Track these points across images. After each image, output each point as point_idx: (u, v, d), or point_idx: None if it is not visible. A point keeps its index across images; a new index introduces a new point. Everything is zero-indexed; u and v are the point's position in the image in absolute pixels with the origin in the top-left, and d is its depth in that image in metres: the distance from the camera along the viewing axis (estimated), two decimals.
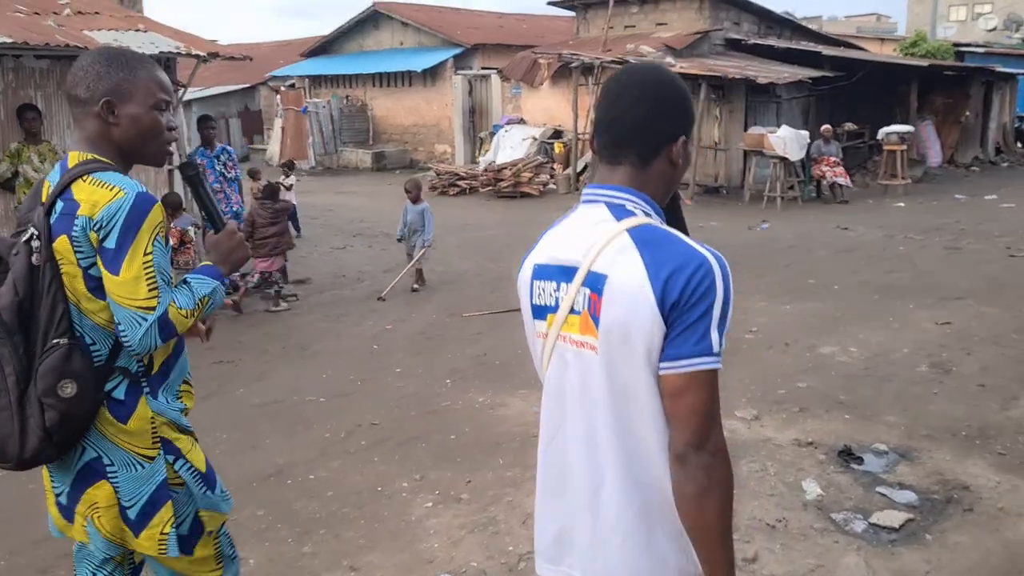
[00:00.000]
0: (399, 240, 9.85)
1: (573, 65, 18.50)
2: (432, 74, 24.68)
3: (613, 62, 17.69)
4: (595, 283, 1.58)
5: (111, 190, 1.99)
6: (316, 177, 24.00)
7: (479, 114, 24.19)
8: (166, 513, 2.13)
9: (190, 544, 2.20)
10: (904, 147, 16.45)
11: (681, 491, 1.54)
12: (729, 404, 5.32)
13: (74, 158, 2.09)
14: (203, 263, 2.22)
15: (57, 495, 2.17)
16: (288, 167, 14.27)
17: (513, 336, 7.20)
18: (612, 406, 1.59)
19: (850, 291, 8.57)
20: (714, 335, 1.51)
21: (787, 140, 14.92)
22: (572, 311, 1.62)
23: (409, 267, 9.37)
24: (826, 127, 16.37)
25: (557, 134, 20.96)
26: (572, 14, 23.57)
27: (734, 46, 20.28)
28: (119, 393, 2.08)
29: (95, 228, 1.98)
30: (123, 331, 2.00)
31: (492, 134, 22.55)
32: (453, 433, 4.98)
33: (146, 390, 2.11)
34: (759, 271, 9.58)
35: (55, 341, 2.00)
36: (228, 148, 9.29)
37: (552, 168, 19.71)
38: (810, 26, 23.96)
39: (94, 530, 2.13)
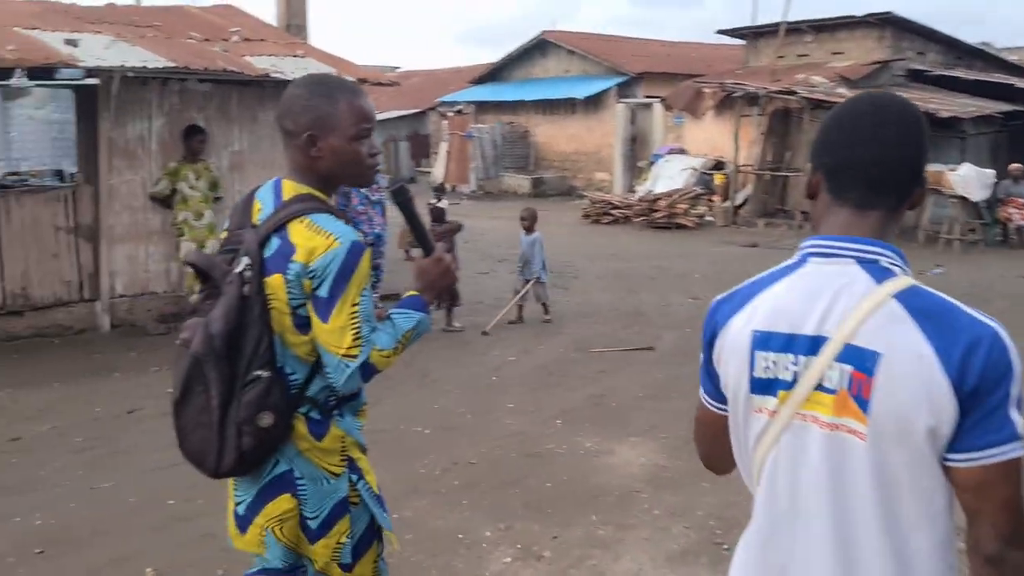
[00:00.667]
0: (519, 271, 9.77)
1: (737, 95, 17.89)
2: (595, 102, 24.62)
3: (780, 92, 16.99)
4: (859, 360, 1.38)
5: (327, 238, 2.07)
6: (476, 201, 24.40)
7: (640, 143, 23.88)
8: (343, 526, 2.22)
9: (356, 559, 2.27)
10: None
11: None
12: None
13: (289, 189, 2.19)
14: (409, 293, 2.27)
15: (237, 504, 2.26)
16: (439, 191, 14.48)
17: (637, 377, 6.93)
18: (880, 501, 1.39)
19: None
20: (1016, 417, 1.33)
21: (968, 179, 13.78)
22: (822, 388, 1.42)
23: (514, 302, 9.23)
24: (1015, 166, 15.00)
25: (718, 165, 20.32)
26: (743, 42, 22.96)
27: (917, 78, 19.05)
28: (315, 414, 2.18)
29: (309, 275, 2.06)
30: (330, 374, 2.11)
31: (652, 163, 22.20)
32: (550, 480, 4.74)
33: (336, 412, 2.21)
34: None
35: (257, 373, 2.10)
36: None
37: (710, 200, 19.16)
38: (1010, 57, 22.15)
39: (273, 539, 2.21)
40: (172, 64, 7.69)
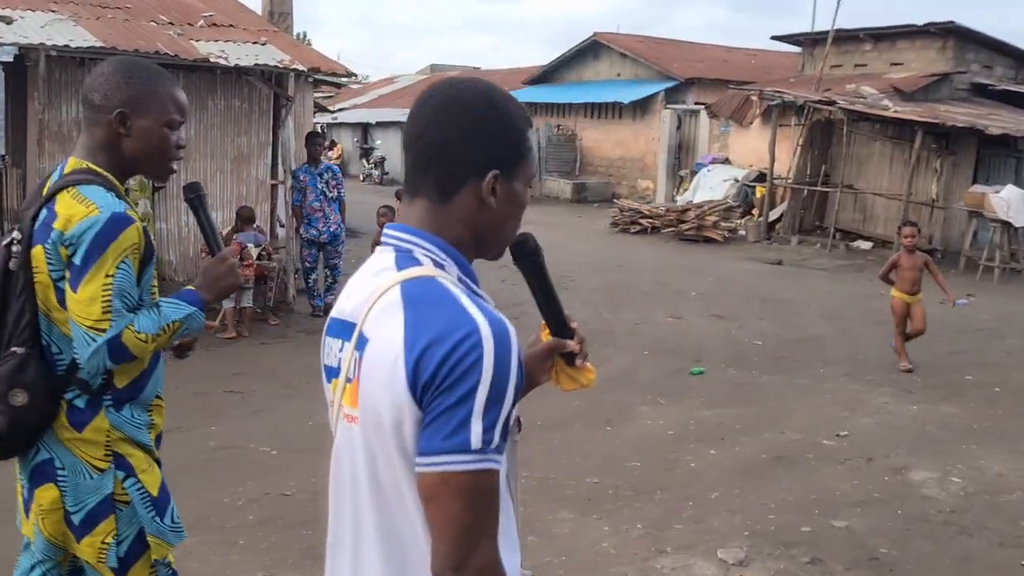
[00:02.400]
0: None
1: (774, 103, 16.92)
2: (642, 107, 23.80)
3: (820, 102, 15.97)
4: (362, 346, 1.29)
5: (87, 207, 2.01)
6: None
7: (685, 151, 22.99)
8: (108, 526, 2.11)
9: (127, 564, 2.15)
10: None
11: None
12: (721, 534, 4.11)
13: (71, 164, 2.13)
14: (187, 287, 2.23)
15: (23, 488, 2.19)
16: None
17: (536, 401, 6.20)
18: (373, 500, 1.29)
19: (1012, 397, 6.77)
20: (475, 426, 1.18)
21: (1012, 202, 12.60)
22: (347, 378, 1.33)
23: None
24: None
25: (762, 177, 19.33)
26: (798, 50, 21.87)
27: (981, 92, 17.73)
28: (80, 402, 2.09)
29: (65, 243, 2.00)
30: (75, 348, 2.03)
31: (694, 172, 21.32)
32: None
33: (108, 403, 2.11)
34: (914, 357, 7.89)
35: (13, 349, 2.04)
36: (333, 167, 9.05)
37: (751, 213, 18.23)
38: None
39: (37, 531, 2.14)
40: (100, 44, 7.36)
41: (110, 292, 2.00)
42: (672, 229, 17.25)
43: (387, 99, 35.56)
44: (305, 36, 57.66)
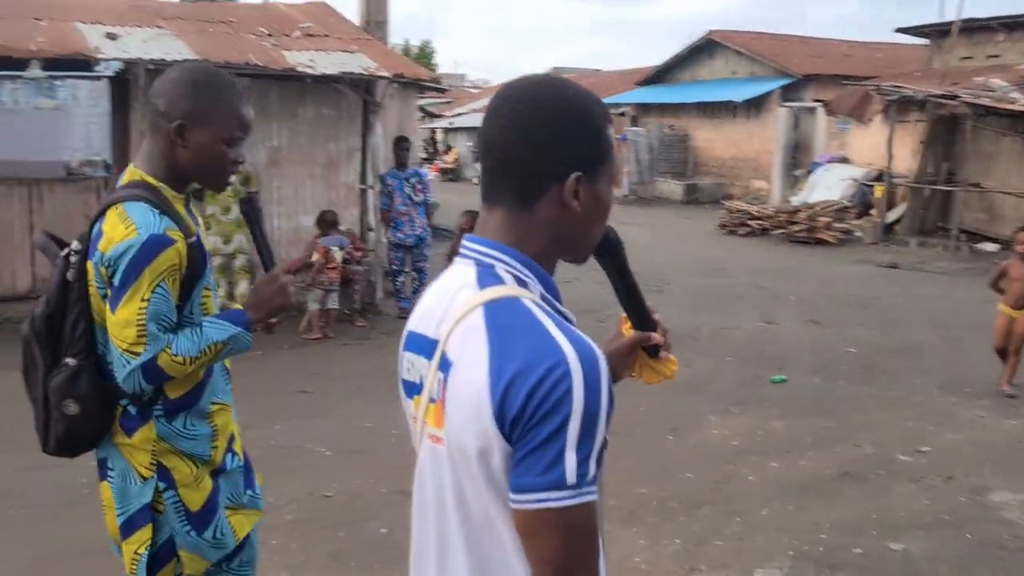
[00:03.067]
0: None
1: (892, 99, 16.11)
2: (756, 105, 23.11)
3: (942, 96, 15.09)
4: (445, 368, 1.24)
5: (127, 228, 2.00)
6: (623, 206, 23.59)
7: (802, 150, 22.19)
8: (144, 534, 2.13)
9: (151, 572, 2.15)
10: None
11: None
12: (762, 553, 3.92)
13: (128, 174, 2.14)
14: (235, 306, 2.22)
15: None
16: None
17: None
18: (460, 525, 1.25)
19: None
20: (569, 461, 1.13)
21: None
22: (431, 398, 1.27)
23: None
24: None
25: (882, 176, 18.45)
26: (925, 42, 20.75)
27: None
28: (132, 408, 2.12)
29: (105, 264, 2.02)
30: (113, 368, 2.05)
31: (810, 172, 20.54)
32: (390, 526, 4.19)
33: (158, 413, 2.11)
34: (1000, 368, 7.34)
35: (67, 361, 2.08)
36: (420, 171, 9.18)
37: (870, 214, 17.42)
38: None
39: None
40: (194, 56, 7.71)
41: (144, 316, 1.99)
42: (782, 231, 16.69)
43: None
44: (429, 44, 59.01)
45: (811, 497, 4.62)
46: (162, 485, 2.13)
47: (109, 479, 2.15)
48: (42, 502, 4.45)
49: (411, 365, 1.36)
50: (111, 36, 7.96)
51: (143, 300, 1.99)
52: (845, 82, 20.84)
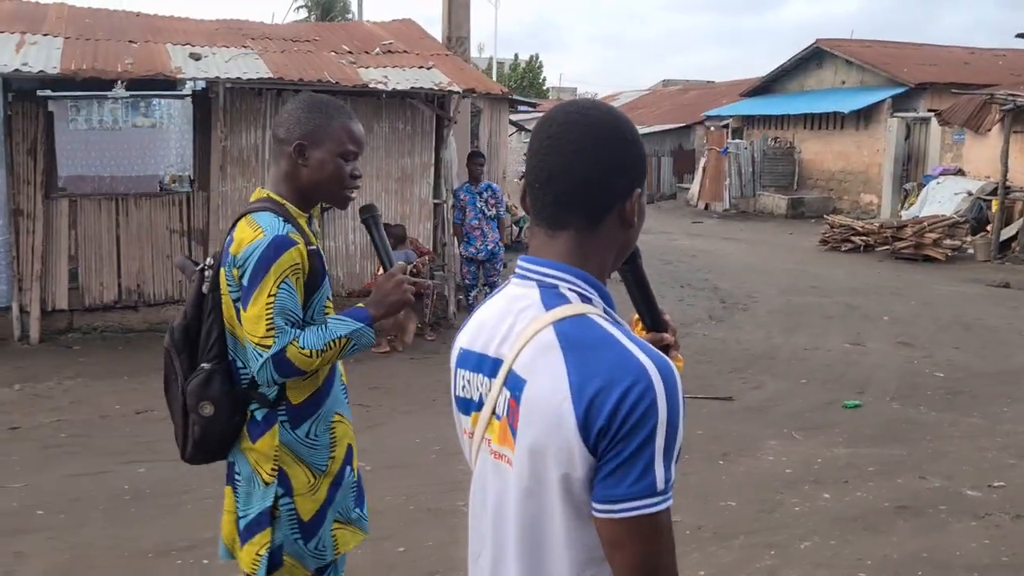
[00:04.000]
0: None
1: (1006, 108, 15.19)
2: (866, 116, 22.21)
3: None
4: (515, 387, 1.29)
5: (255, 231, 2.18)
6: (724, 220, 23.09)
7: (915, 162, 21.17)
8: (264, 537, 2.24)
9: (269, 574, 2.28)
10: None
11: None
12: None
13: (256, 194, 2.34)
14: (357, 304, 2.34)
15: None
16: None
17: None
18: (522, 539, 1.30)
19: None
20: (658, 469, 1.20)
21: None
22: (495, 414, 1.34)
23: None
24: None
25: (1006, 190, 17.41)
26: None
27: None
28: (259, 415, 2.25)
29: (237, 265, 2.18)
30: (249, 362, 2.21)
31: (922, 186, 19.56)
32: (409, 545, 4.14)
33: (282, 419, 2.25)
34: None
35: (203, 365, 2.24)
36: (493, 186, 9.17)
37: (986, 230, 16.44)
38: None
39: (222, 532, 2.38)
40: (269, 75, 7.95)
41: (272, 311, 2.14)
42: (887, 247, 15.94)
43: None
44: (537, 59, 59.39)
45: (859, 531, 4.33)
46: (280, 491, 2.24)
47: (236, 483, 2.29)
48: (88, 506, 4.62)
49: (466, 383, 1.41)
50: (195, 56, 8.28)
51: (270, 296, 2.13)
52: (962, 91, 19.80)
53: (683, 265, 15.02)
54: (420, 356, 8.15)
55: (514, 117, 19.63)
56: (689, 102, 32.40)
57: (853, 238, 16.78)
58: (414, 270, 8.36)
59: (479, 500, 1.41)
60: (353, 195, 2.36)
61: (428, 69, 9.04)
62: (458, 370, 1.44)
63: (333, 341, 2.17)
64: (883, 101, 21.75)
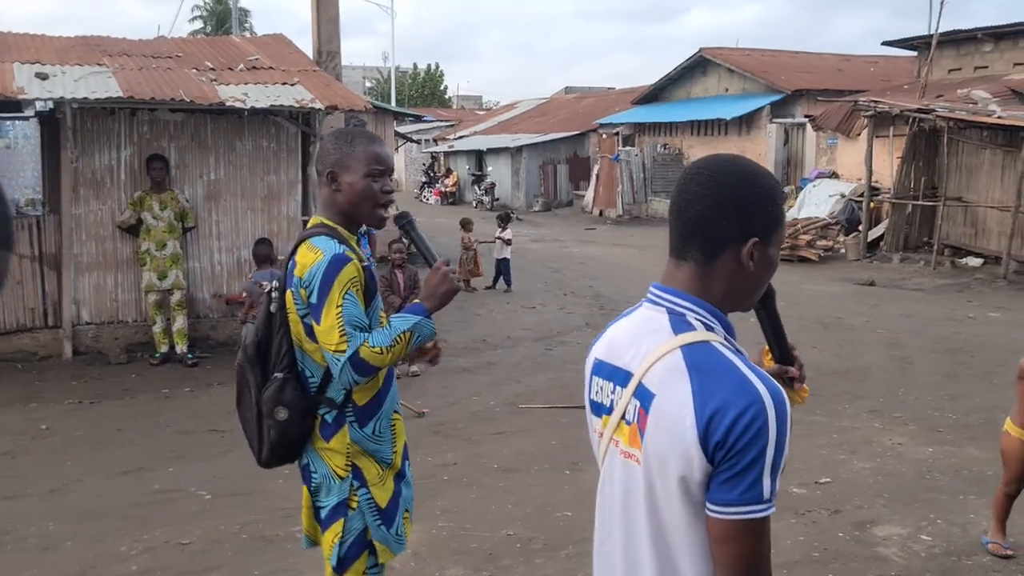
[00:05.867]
0: None
1: (867, 114, 15.92)
2: (748, 122, 22.98)
3: (919, 110, 14.88)
4: (644, 398, 1.51)
5: (315, 253, 2.43)
6: (616, 227, 23.50)
7: (794, 166, 21.99)
8: (338, 527, 2.49)
9: (344, 564, 2.50)
10: None
11: None
12: None
13: (312, 221, 2.61)
14: (414, 301, 2.58)
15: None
16: (503, 219, 13.91)
17: (522, 442, 5.99)
18: (650, 525, 1.53)
19: None
20: (766, 482, 1.41)
21: None
22: (624, 419, 1.57)
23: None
24: None
25: (873, 192, 18.21)
26: (913, 54, 20.55)
27: None
28: (329, 417, 2.50)
29: (304, 286, 2.42)
30: (331, 369, 2.43)
31: (800, 188, 20.32)
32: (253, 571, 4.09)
33: (350, 419, 2.49)
34: (959, 389, 7.13)
35: (276, 375, 2.48)
36: None
37: (858, 230, 17.17)
38: None
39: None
40: (119, 95, 7.74)
41: (342, 320, 2.37)
42: None
43: (504, 126, 35.96)
44: (438, 67, 59.42)
45: None
46: (356, 483, 2.49)
47: (312, 480, 2.53)
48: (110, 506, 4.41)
49: (600, 388, 1.65)
50: (41, 76, 7.99)
51: (338, 307, 2.38)
52: (833, 97, 20.67)
53: (571, 272, 15.23)
54: None
55: (401, 129, 19.55)
56: (584, 110, 32.87)
57: None
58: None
59: (608, 492, 1.64)
60: (387, 212, 2.61)
61: (292, 85, 8.93)
62: (593, 377, 1.67)
63: (399, 336, 2.41)
64: (763, 108, 22.55)
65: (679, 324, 1.52)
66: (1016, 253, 13.64)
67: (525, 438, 6.22)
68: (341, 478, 2.48)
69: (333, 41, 10.89)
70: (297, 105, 8.39)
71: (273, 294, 2.52)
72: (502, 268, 13.15)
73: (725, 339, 1.53)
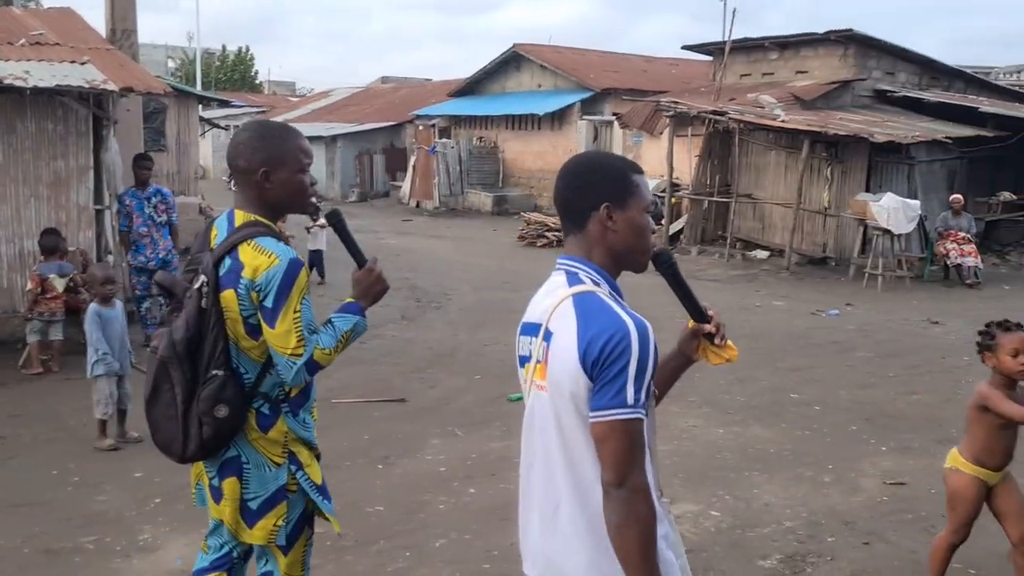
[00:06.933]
0: None
1: (667, 114, 16.81)
2: (560, 118, 23.65)
3: (714, 112, 15.86)
4: (548, 338, 1.93)
5: (269, 257, 2.46)
6: (434, 218, 23.56)
7: None
8: (281, 510, 2.58)
9: (291, 542, 2.65)
10: None
11: (607, 521, 1.82)
12: None
13: (239, 217, 2.57)
14: (347, 300, 2.65)
15: (211, 478, 2.65)
16: (315, 210, 13.60)
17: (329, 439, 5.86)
18: (560, 441, 1.91)
19: (829, 417, 6.57)
20: (629, 390, 1.80)
21: (891, 210, 12.53)
22: (537, 360, 1.96)
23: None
24: (955, 197, 13.72)
25: (674, 188, 19.21)
26: (709, 59, 21.84)
27: (883, 98, 17.76)
28: (265, 409, 2.55)
29: (256, 290, 2.45)
30: (280, 371, 2.49)
31: None
32: None
33: (285, 410, 2.59)
34: (747, 373, 7.69)
35: (214, 372, 2.47)
36: (163, 190, 8.64)
37: (661, 223, 18.06)
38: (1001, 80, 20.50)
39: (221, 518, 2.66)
40: None
41: (300, 324, 2.45)
42: None
43: (318, 114, 35.16)
44: (248, 50, 57.10)
45: (496, 523, 4.57)
46: (294, 468, 2.60)
47: (243, 472, 2.56)
48: None
49: (524, 344, 2.03)
50: None
51: (296, 312, 2.45)
52: (638, 96, 21.66)
53: (387, 264, 14.64)
54: (79, 376, 7.50)
55: (207, 114, 18.71)
56: (401, 100, 32.68)
57: (547, 234, 17.80)
58: (71, 283, 7.71)
59: (528, 424, 2.00)
60: (315, 201, 2.73)
61: (82, 64, 8.34)
62: (520, 337, 2.05)
63: (343, 336, 2.54)
64: (574, 104, 23.26)
65: (573, 280, 1.96)
66: (797, 247, 14.84)
67: (337, 433, 6.11)
68: (278, 465, 2.57)
69: (128, 18, 10.26)
70: (87, 86, 7.84)
71: (203, 290, 2.48)
72: (314, 260, 12.88)
73: (609, 293, 1.94)
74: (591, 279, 1.95)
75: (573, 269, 1.98)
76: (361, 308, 2.62)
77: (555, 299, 1.92)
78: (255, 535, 2.59)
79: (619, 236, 1.97)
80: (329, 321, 2.57)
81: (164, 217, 8.51)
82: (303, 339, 2.45)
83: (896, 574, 4.09)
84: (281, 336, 2.43)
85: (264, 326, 2.45)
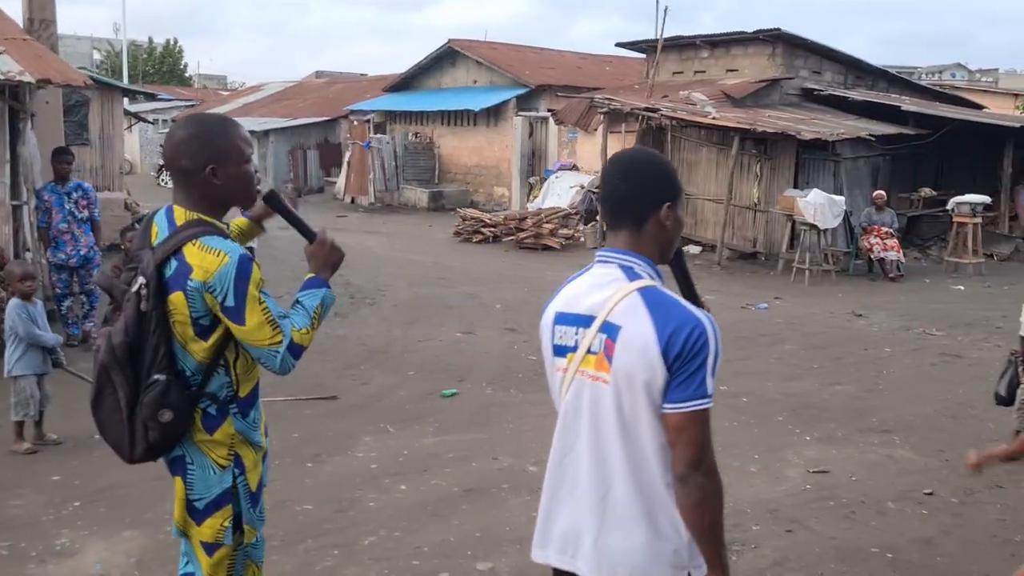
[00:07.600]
0: None
1: (602, 111, 16.95)
2: (495, 114, 23.65)
3: (647, 109, 16.03)
4: (610, 331, 1.99)
5: (218, 256, 2.37)
6: (369, 214, 23.34)
7: (538, 158, 22.93)
8: (227, 511, 2.53)
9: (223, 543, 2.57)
10: (977, 220, 13.91)
11: (683, 504, 1.96)
12: None
13: (181, 215, 2.47)
14: (308, 276, 2.60)
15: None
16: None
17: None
18: (620, 429, 2.00)
19: (756, 408, 6.70)
20: (709, 381, 1.94)
21: (817, 206, 12.83)
22: (590, 351, 2.03)
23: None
24: (878, 193, 14.11)
25: None
26: (642, 56, 22.08)
27: (810, 97, 18.18)
28: (212, 410, 2.49)
29: (210, 291, 2.37)
30: (264, 363, 2.46)
31: (544, 179, 21.26)
32: None
33: (234, 411, 2.51)
34: None
35: (156, 377, 2.39)
36: (84, 185, 8.40)
37: (596, 219, 18.20)
38: (985, 79, 21.15)
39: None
40: None
41: (269, 314, 2.41)
42: (512, 238, 17.09)
43: (250, 108, 34.52)
44: (176, 43, 55.80)
45: (425, 519, 4.56)
46: (237, 471, 2.53)
47: (189, 473, 2.50)
48: None
49: (563, 334, 2.10)
50: None
51: (260, 303, 2.39)
52: (573, 93, 21.78)
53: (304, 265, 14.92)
54: None
55: (133, 108, 18.24)
56: (335, 95, 32.29)
57: (483, 230, 17.77)
58: None
59: (572, 412, 2.07)
60: (259, 188, 2.63)
61: None
62: (555, 327, 2.12)
63: (314, 312, 2.51)
64: (509, 100, 23.27)
65: (631, 275, 2.03)
66: (728, 242, 15.09)
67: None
68: (223, 467, 2.51)
69: (47, 8, 9.95)
70: (2, 77, 7.57)
71: (142, 292, 2.38)
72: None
73: (662, 285, 2.05)
74: (647, 273, 2.04)
75: (627, 263, 2.05)
76: (323, 280, 2.59)
77: (614, 292, 1.99)
78: (203, 532, 2.55)
79: (669, 233, 2.10)
80: (297, 302, 2.54)
81: (85, 213, 8.28)
82: (277, 327, 2.41)
83: (817, 560, 4.19)
84: (255, 330, 2.39)
85: (233, 326, 2.39)
